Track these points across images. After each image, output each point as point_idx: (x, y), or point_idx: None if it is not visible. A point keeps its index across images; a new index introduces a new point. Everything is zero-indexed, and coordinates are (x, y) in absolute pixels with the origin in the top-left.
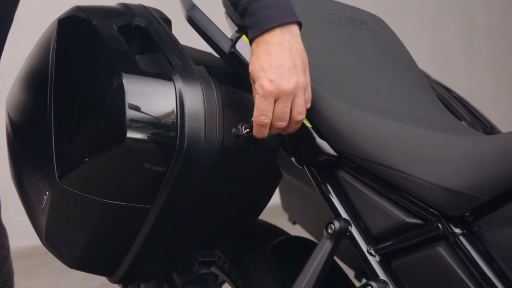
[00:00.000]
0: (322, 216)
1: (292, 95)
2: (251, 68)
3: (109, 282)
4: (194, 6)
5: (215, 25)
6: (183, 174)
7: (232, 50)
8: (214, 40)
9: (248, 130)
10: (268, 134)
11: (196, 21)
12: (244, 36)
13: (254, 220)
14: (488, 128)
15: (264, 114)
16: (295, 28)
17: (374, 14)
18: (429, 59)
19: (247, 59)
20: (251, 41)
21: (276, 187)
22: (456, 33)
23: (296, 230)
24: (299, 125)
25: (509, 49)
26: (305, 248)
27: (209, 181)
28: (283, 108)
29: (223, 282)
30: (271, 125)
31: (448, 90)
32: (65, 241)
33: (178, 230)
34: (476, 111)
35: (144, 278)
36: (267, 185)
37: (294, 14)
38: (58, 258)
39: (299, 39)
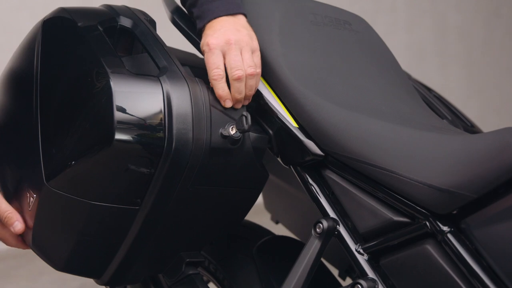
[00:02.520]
0: (306, 215)
1: (238, 46)
2: (201, 44)
3: (87, 284)
4: (177, 7)
5: None
6: (171, 175)
7: None
8: (199, 40)
9: (235, 131)
10: (236, 107)
11: (180, 21)
12: None
13: (241, 220)
14: (468, 127)
15: (216, 67)
16: (241, 18)
17: (357, 14)
18: (402, 58)
19: None
20: (199, 31)
21: (263, 187)
22: (428, 32)
23: (279, 230)
24: (254, 83)
25: (480, 47)
26: (290, 247)
27: (197, 182)
28: (233, 56)
29: (208, 282)
30: (230, 82)
31: (428, 89)
32: (53, 244)
33: (166, 231)
34: (457, 109)
35: (131, 279)
36: (254, 185)
37: (240, 6)
38: (45, 261)
39: (245, 24)
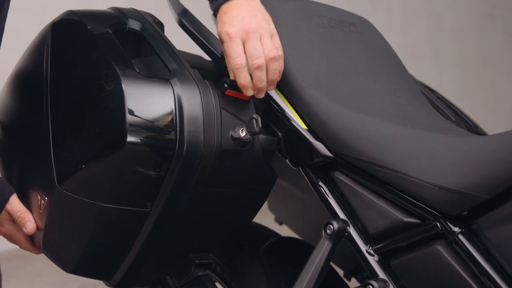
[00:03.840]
0: (310, 216)
1: (257, 33)
2: (218, 32)
3: (87, 285)
4: (185, 10)
5: (206, 28)
6: (182, 177)
7: None
8: (206, 43)
9: (245, 133)
10: (258, 97)
11: (188, 24)
12: None
13: (250, 221)
14: (472, 128)
15: (238, 56)
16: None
17: (361, 16)
18: None
19: None
20: (215, 12)
21: (271, 189)
22: (424, 32)
23: (283, 231)
24: (277, 66)
25: (475, 48)
26: (297, 248)
27: (207, 184)
28: (253, 45)
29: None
30: (252, 71)
31: (432, 90)
32: (63, 246)
33: (176, 233)
34: (460, 111)
35: (141, 281)
36: (263, 187)
37: None
38: (55, 263)
39: (260, 7)
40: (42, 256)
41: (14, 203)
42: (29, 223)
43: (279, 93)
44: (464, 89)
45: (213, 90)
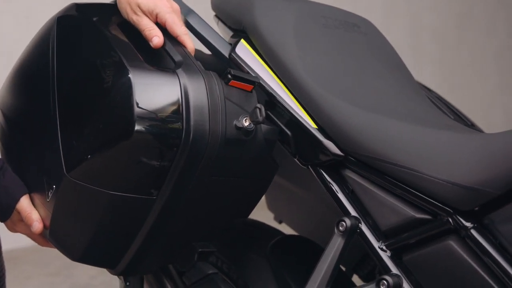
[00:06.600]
0: (310, 214)
1: None
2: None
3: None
4: (190, 11)
5: (212, 29)
6: (188, 166)
7: (231, 54)
8: (213, 44)
9: (249, 122)
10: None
11: (194, 25)
12: (242, 40)
13: (251, 210)
14: (469, 126)
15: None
16: None
17: (363, 17)
18: None
19: (247, 62)
20: None
21: (272, 178)
22: (403, 32)
23: (283, 229)
24: None
25: (454, 47)
26: (303, 246)
27: (212, 173)
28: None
29: None
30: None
31: (429, 90)
32: (70, 234)
33: (181, 221)
34: (457, 109)
35: (144, 269)
36: (264, 176)
37: None
38: (61, 252)
39: None
40: (31, 258)
41: (23, 203)
42: (35, 223)
43: (288, 93)
44: (442, 89)
45: (218, 80)
